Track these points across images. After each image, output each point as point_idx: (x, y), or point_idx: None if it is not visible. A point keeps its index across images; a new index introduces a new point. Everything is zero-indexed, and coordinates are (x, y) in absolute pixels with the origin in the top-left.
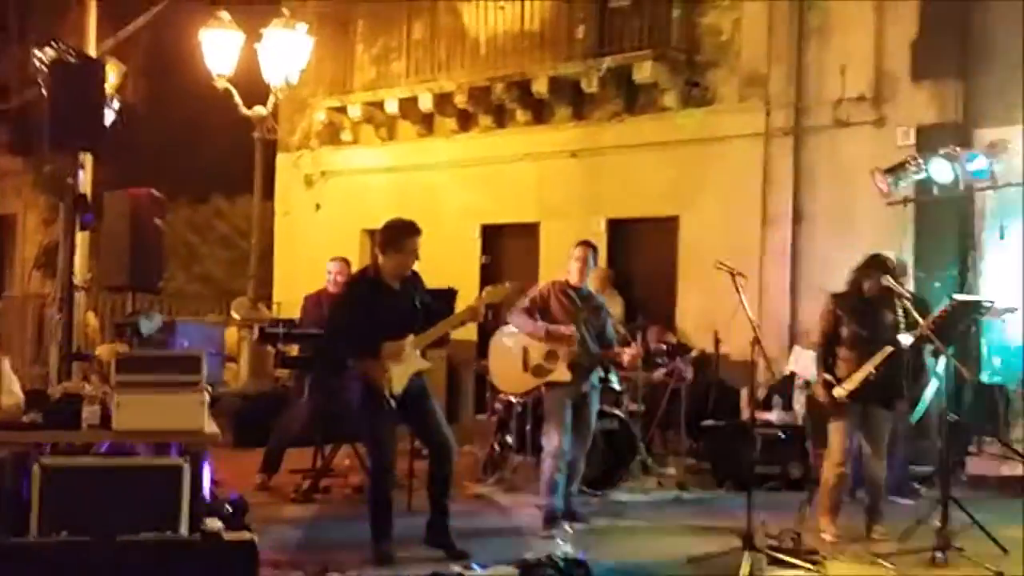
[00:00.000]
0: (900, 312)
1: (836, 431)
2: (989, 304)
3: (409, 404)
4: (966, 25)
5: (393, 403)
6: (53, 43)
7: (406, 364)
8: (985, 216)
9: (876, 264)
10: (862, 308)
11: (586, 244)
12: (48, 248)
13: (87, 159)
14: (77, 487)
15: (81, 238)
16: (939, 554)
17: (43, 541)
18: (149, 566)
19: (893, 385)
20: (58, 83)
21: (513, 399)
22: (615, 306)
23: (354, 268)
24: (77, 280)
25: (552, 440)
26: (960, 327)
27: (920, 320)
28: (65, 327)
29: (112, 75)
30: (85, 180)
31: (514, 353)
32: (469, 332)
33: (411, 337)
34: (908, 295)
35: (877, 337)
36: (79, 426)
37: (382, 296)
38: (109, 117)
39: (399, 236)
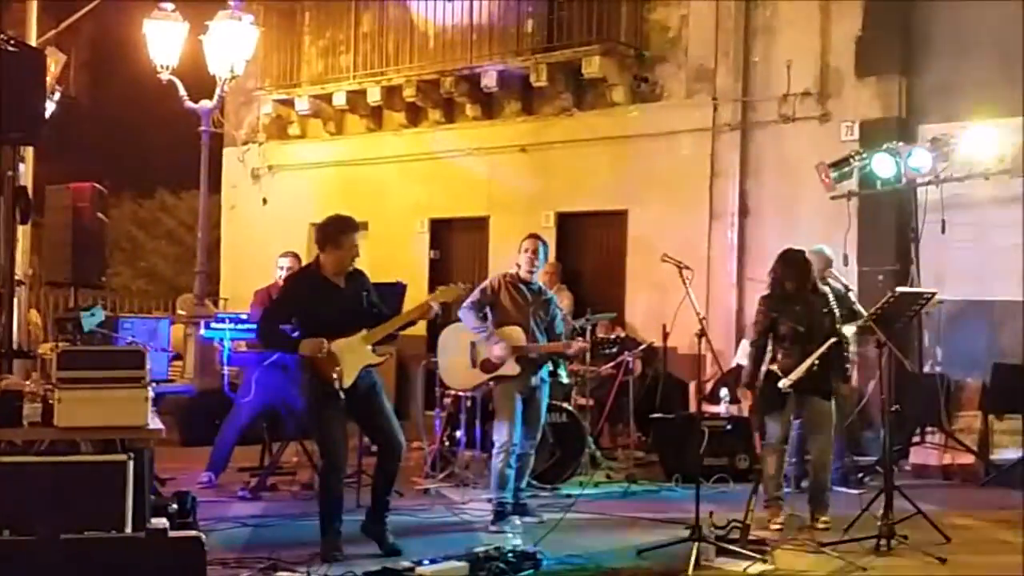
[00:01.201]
0: (832, 301)
1: (772, 422)
2: (930, 296)
3: (359, 398)
4: (909, 22)
5: (343, 395)
6: None
7: (357, 358)
8: (927, 210)
9: (784, 262)
10: (792, 305)
11: (536, 237)
12: None
13: (28, 152)
14: (19, 485)
15: (22, 233)
16: (883, 542)
17: None
18: (94, 565)
19: (832, 374)
20: None
21: (462, 394)
22: (564, 300)
23: (304, 262)
24: (18, 275)
25: (502, 435)
26: (902, 318)
27: (863, 311)
28: (6, 324)
29: (53, 66)
30: (26, 173)
31: (462, 349)
32: (419, 328)
33: (363, 332)
34: (839, 286)
35: (815, 330)
36: (20, 423)
37: (324, 292)
38: (49, 109)
39: (336, 232)
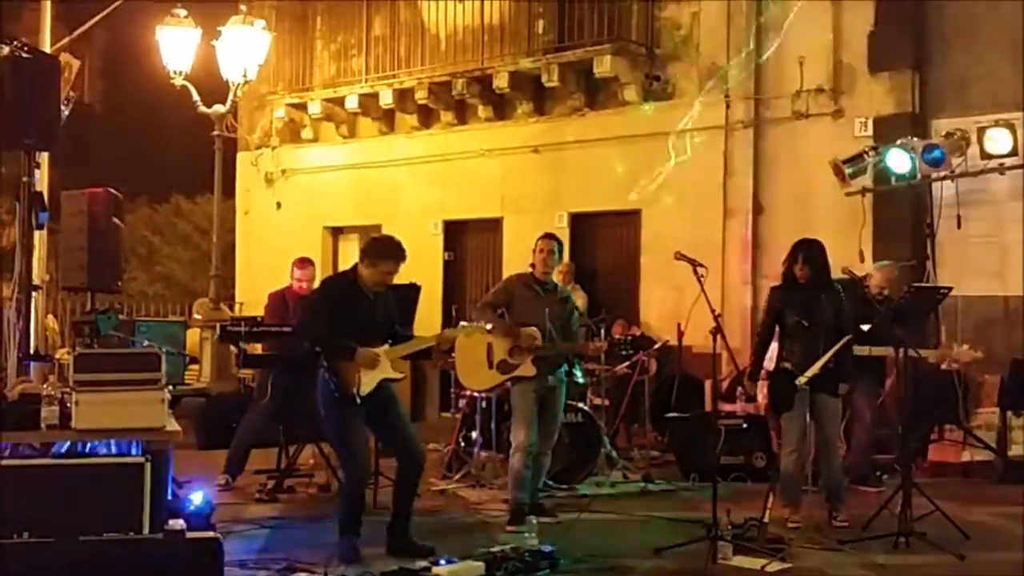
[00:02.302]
0: (844, 301)
1: (789, 420)
2: (947, 291)
3: (374, 409)
4: (922, 17)
5: (359, 401)
6: (6, 40)
7: (378, 370)
8: (942, 205)
9: (802, 249)
10: (799, 297)
11: (550, 236)
12: (5, 249)
13: (43, 158)
14: (38, 488)
15: (39, 238)
16: (901, 540)
17: (5, 543)
18: (112, 566)
19: (840, 372)
20: (12, 80)
21: (477, 395)
22: (578, 300)
23: (318, 266)
24: (35, 280)
25: (519, 435)
26: (919, 314)
27: (879, 309)
28: (23, 328)
29: (67, 72)
30: (41, 179)
31: (479, 350)
32: (433, 329)
33: (386, 347)
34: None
35: (818, 325)
36: (38, 426)
37: (357, 300)
38: (64, 115)
39: (377, 254)
